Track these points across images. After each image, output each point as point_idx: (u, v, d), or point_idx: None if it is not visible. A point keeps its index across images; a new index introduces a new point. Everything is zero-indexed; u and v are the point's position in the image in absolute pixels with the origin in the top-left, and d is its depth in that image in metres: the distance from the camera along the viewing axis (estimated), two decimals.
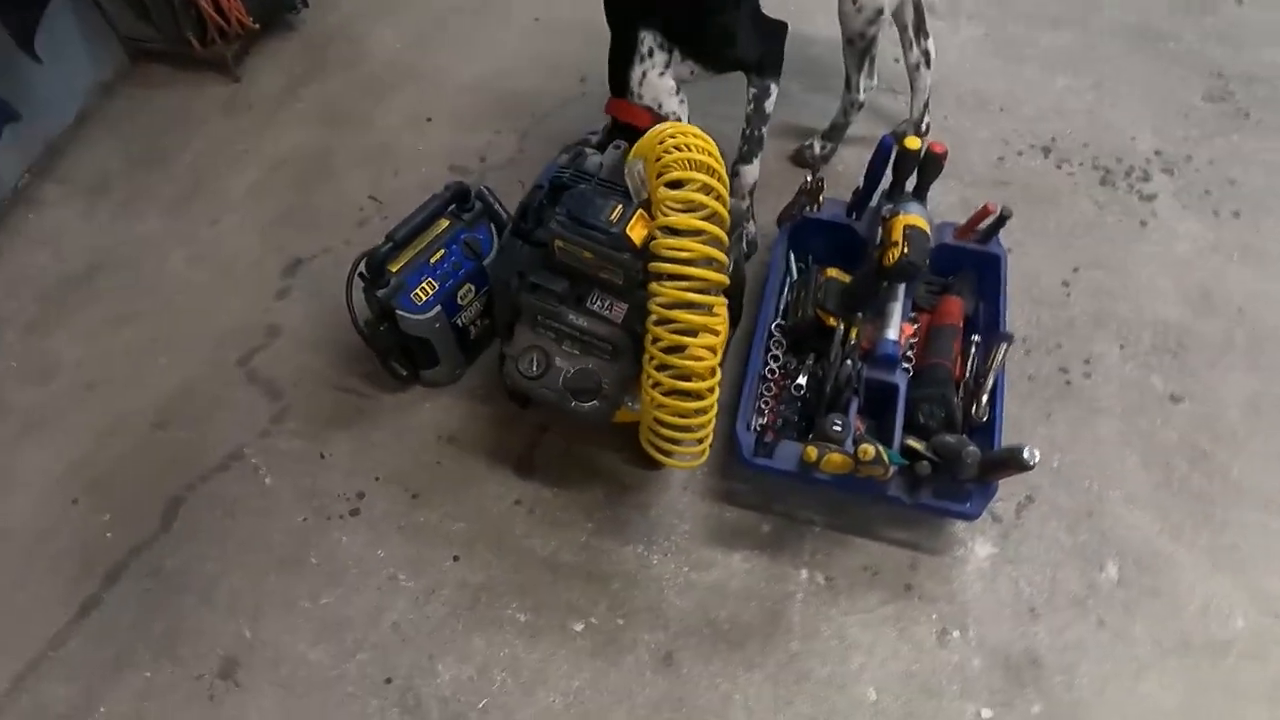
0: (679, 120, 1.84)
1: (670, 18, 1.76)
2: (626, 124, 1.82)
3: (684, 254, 1.33)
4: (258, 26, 2.45)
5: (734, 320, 1.79)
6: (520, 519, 1.74)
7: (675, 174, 1.33)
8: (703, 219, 1.34)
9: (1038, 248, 2.08)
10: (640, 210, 1.38)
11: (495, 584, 1.66)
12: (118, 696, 1.56)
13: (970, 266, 1.88)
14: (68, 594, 1.66)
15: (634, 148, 1.44)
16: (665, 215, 1.33)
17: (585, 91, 2.43)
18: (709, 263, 1.35)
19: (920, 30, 2.10)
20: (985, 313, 1.86)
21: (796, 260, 1.97)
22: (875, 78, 2.10)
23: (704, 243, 1.34)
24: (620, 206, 1.37)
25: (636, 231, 1.36)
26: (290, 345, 1.99)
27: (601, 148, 1.84)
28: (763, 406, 1.78)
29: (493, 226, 1.82)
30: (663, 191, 1.34)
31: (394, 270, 1.70)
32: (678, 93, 1.84)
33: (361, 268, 1.71)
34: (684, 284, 1.34)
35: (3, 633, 1.63)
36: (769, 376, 1.81)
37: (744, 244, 2.03)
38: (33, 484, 1.81)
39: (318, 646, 1.61)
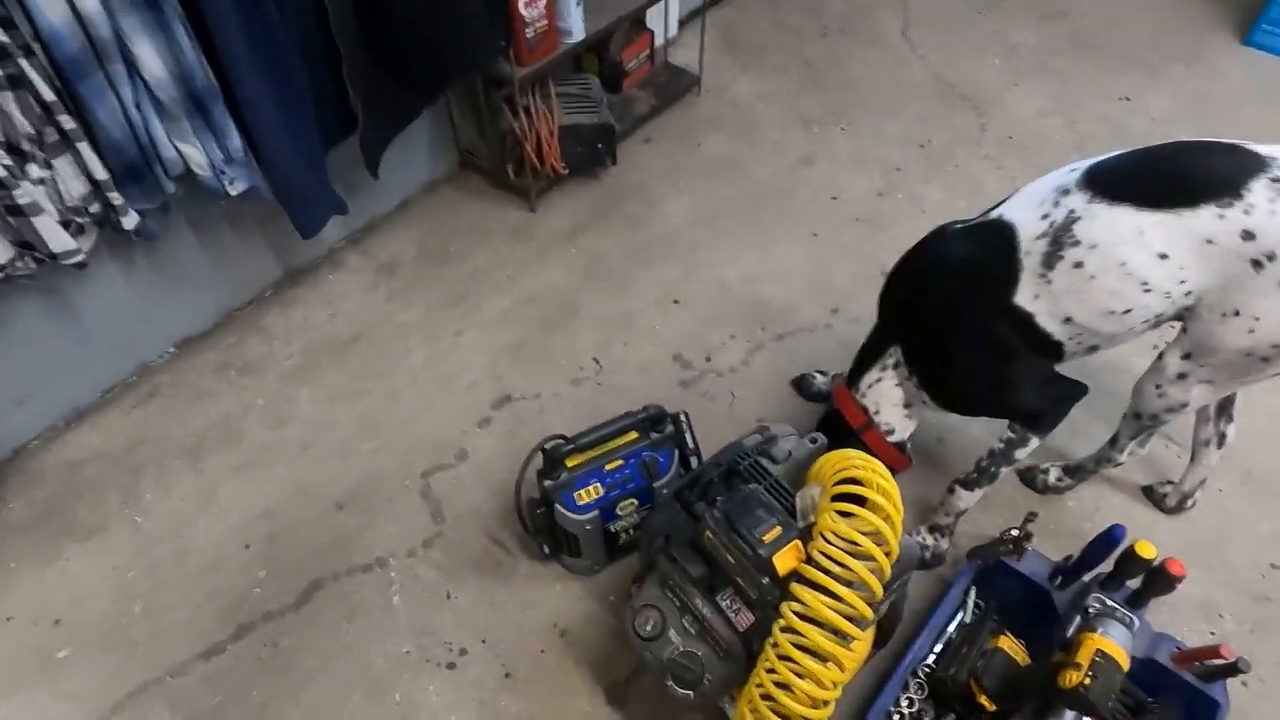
0: (891, 430, 1.76)
1: (912, 345, 1.71)
2: (838, 412, 1.80)
3: (825, 580, 1.26)
4: (566, 172, 2.69)
5: (881, 642, 1.65)
6: None
7: (845, 505, 1.28)
8: (859, 557, 1.26)
9: None
10: (796, 541, 1.31)
11: None
12: None
13: (1180, 700, 1.58)
14: (205, 631, 1.86)
15: (813, 469, 1.39)
16: (820, 541, 1.27)
17: (832, 325, 2.39)
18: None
19: (1224, 413, 1.84)
20: None
21: (977, 597, 1.78)
22: (1146, 448, 1.85)
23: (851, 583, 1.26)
24: (779, 529, 1.31)
25: (784, 561, 1.29)
26: (470, 475, 2.12)
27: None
28: None
29: (677, 453, 1.83)
30: (827, 519, 1.28)
31: (569, 465, 1.76)
32: (907, 406, 1.76)
33: (545, 445, 1.79)
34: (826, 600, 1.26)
35: (150, 641, 1.85)
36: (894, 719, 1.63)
37: (927, 555, 1.87)
38: (227, 517, 2.05)
39: None
